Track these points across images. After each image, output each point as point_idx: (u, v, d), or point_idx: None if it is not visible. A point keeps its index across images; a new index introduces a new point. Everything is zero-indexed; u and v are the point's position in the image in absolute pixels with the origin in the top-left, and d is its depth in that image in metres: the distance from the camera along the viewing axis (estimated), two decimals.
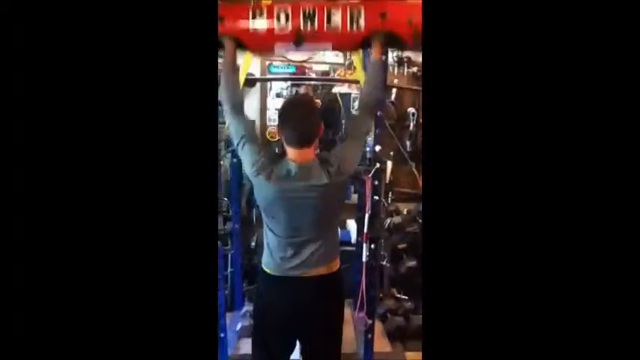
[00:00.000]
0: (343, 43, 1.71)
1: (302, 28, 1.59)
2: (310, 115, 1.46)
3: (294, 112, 1.45)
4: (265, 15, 1.58)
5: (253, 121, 1.51)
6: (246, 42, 1.63)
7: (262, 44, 1.69)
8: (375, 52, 1.60)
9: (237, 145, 1.52)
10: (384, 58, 1.69)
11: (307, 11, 1.59)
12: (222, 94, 1.52)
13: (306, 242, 1.48)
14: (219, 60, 1.55)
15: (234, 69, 1.59)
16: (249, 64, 1.81)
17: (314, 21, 1.59)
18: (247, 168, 1.49)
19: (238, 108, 1.53)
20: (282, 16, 1.58)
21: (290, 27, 1.59)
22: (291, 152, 1.45)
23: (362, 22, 1.58)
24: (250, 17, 1.58)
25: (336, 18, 1.58)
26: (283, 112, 1.48)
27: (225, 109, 1.53)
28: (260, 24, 1.58)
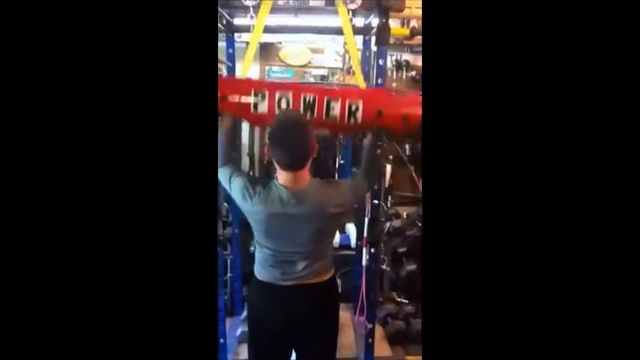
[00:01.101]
0: (340, 130, 1.81)
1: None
2: (304, 137, 1.38)
3: (287, 134, 1.38)
4: (267, 99, 1.62)
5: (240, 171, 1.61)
6: (247, 119, 1.69)
7: (262, 122, 1.76)
8: (369, 144, 1.66)
9: (228, 188, 1.53)
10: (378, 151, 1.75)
11: (308, 100, 1.63)
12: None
13: (297, 260, 1.46)
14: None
15: (231, 139, 1.62)
16: (248, 67, 1.82)
17: (314, 110, 1.63)
18: (238, 199, 1.48)
19: (228, 165, 1.56)
20: (284, 102, 1.63)
21: None
22: (283, 176, 1.41)
23: (359, 115, 1.64)
24: (252, 104, 1.63)
25: (335, 110, 1.63)
26: (275, 134, 1.39)
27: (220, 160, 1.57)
28: (262, 107, 1.63)
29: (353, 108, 1.62)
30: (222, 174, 1.54)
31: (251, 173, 1.51)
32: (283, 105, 1.63)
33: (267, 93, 1.63)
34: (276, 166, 1.42)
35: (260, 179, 1.49)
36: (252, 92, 1.63)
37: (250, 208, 1.44)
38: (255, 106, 1.63)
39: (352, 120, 1.64)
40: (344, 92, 1.71)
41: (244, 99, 1.64)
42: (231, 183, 1.51)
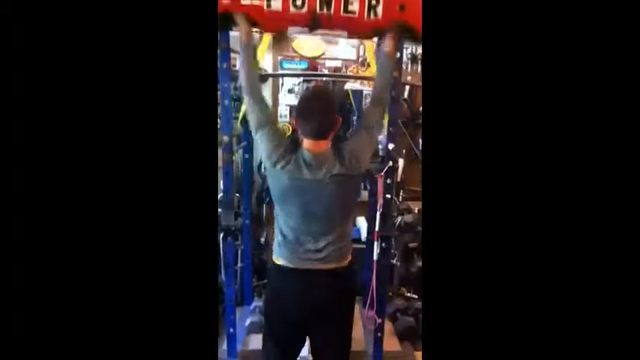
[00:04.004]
0: (359, 31, 1.68)
1: (318, 11, 1.55)
2: (328, 109, 1.45)
3: (312, 105, 1.45)
4: None
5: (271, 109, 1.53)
6: (260, 22, 1.60)
7: (276, 25, 1.66)
8: (388, 46, 1.59)
9: (255, 131, 1.50)
10: (397, 54, 1.66)
11: None
12: (240, 74, 1.53)
13: (320, 233, 1.48)
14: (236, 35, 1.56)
15: (250, 48, 1.56)
16: (265, 50, 1.77)
17: (331, 5, 1.55)
18: (264, 157, 1.49)
19: (256, 90, 1.52)
20: None
21: (306, 9, 1.56)
22: (306, 143, 1.45)
23: (379, 10, 1.55)
24: (265, 2, 1.54)
25: (354, 4, 1.54)
26: (301, 105, 1.48)
27: (244, 90, 1.53)
28: (275, 4, 1.55)
29: (373, 1, 1.54)
30: (253, 111, 1.50)
31: (280, 143, 1.48)
32: (298, 2, 1.56)
33: None
34: (302, 136, 1.46)
35: (289, 146, 1.47)
36: None
37: (277, 170, 1.45)
38: (269, 3, 1.55)
39: (372, 15, 1.55)
40: None
41: (258, 2, 1.55)
42: (258, 132, 1.49)
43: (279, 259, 1.53)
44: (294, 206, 1.47)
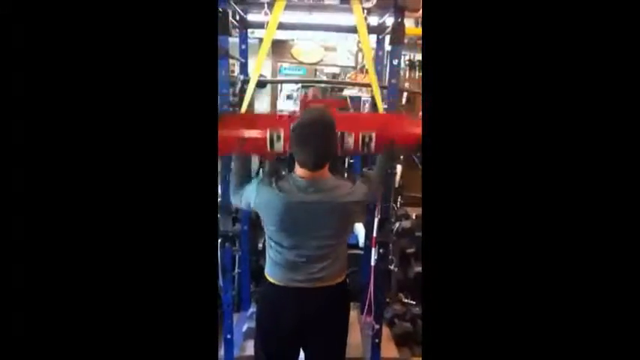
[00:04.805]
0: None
1: None
2: (328, 139, 1.38)
3: (311, 135, 1.36)
4: (282, 139, 1.64)
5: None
6: (263, 155, 1.75)
7: (276, 156, 1.81)
8: (382, 157, 1.71)
9: (240, 201, 1.55)
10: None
11: None
12: (230, 189, 1.61)
13: (317, 259, 1.44)
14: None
15: (243, 178, 1.62)
16: (260, 68, 1.81)
17: None
18: (252, 199, 1.47)
19: (238, 190, 1.57)
20: None
21: None
22: (301, 172, 1.41)
23: (372, 146, 1.71)
24: (268, 142, 1.66)
25: (349, 142, 1.69)
26: (298, 135, 1.38)
27: (232, 188, 1.59)
28: (277, 146, 1.67)
29: (366, 139, 1.69)
30: (236, 199, 1.57)
31: (259, 182, 1.48)
32: None
33: (282, 133, 1.64)
34: (297, 164, 1.42)
35: (277, 174, 1.48)
36: (268, 132, 1.65)
37: (267, 197, 1.41)
38: (272, 144, 1.66)
39: (366, 149, 1.71)
40: (356, 125, 1.75)
41: (262, 145, 1.67)
42: (243, 192, 1.52)
43: (272, 279, 1.50)
44: (286, 233, 1.43)
